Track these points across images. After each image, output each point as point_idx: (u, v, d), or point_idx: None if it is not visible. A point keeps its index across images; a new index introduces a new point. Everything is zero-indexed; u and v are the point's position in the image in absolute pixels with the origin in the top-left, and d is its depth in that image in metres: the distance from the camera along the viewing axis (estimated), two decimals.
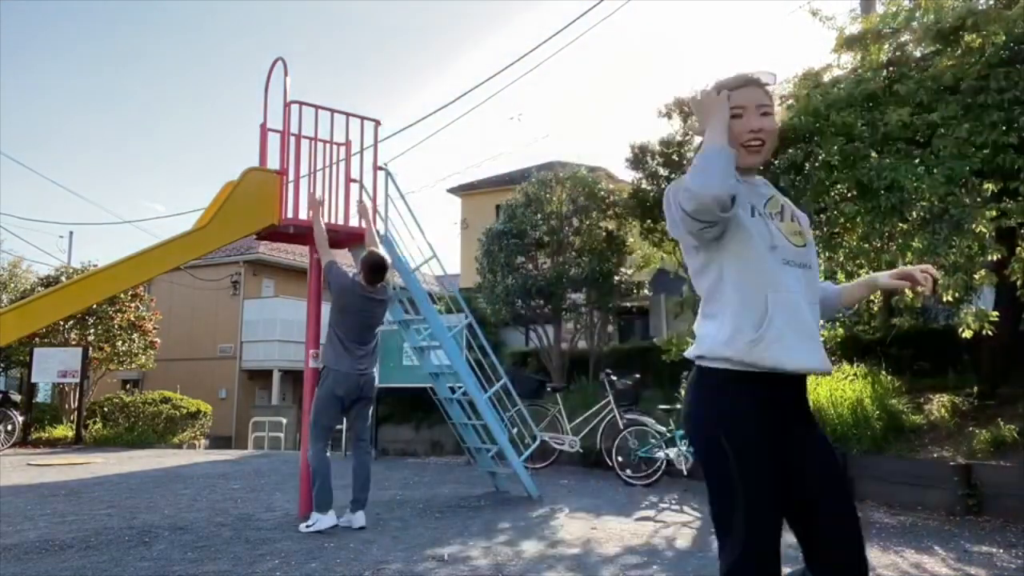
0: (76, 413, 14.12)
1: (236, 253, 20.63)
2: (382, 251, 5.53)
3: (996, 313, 6.25)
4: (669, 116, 8.78)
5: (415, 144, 69.40)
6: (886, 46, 6.89)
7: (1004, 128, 5.46)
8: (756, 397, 1.85)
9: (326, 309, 5.39)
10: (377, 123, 6.35)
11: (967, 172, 5.56)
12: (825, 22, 7.30)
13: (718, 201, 1.71)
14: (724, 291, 1.90)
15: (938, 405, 7.03)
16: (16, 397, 13.36)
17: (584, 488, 7.38)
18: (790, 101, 7.17)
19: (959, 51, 5.94)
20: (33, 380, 14.21)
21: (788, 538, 1.93)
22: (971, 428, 6.44)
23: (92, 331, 15.05)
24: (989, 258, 5.87)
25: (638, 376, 9.00)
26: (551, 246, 10.56)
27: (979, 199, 5.58)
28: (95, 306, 13.99)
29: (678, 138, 8.73)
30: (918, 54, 6.63)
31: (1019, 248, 5.72)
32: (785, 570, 1.92)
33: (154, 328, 16.25)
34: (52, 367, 13.96)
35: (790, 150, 6.85)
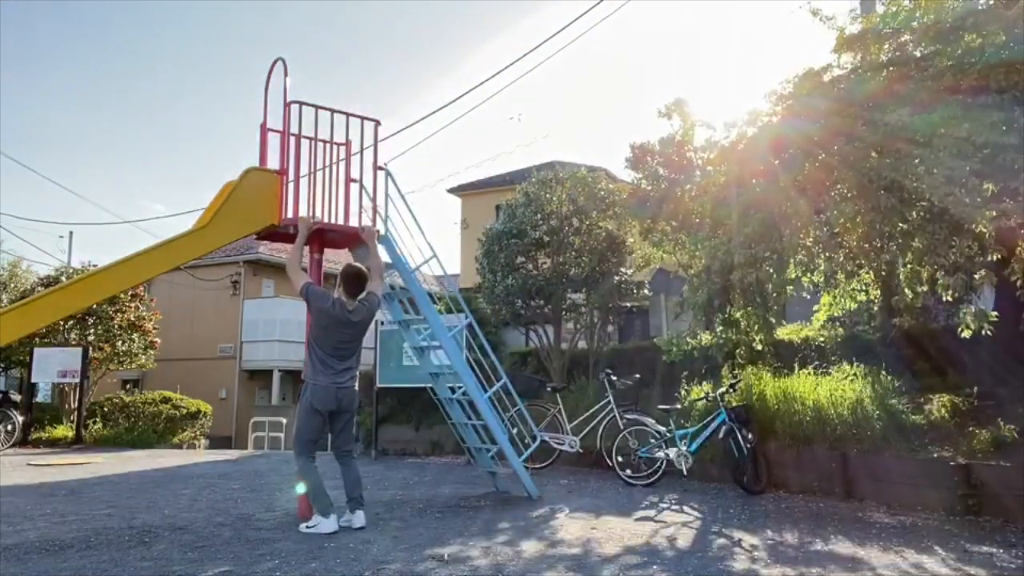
0: (76, 413, 14.12)
1: (236, 253, 20.62)
2: (376, 262, 5.67)
3: (995, 314, 6.25)
4: (669, 116, 8.77)
5: (415, 144, 69.35)
6: (886, 46, 6.88)
7: (1004, 128, 5.45)
8: None
9: None
10: (377, 123, 6.35)
11: (967, 172, 5.56)
12: (825, 22, 7.29)
13: None
14: None
15: (938, 405, 7.03)
16: (16, 397, 13.37)
17: (584, 488, 7.38)
18: (790, 101, 7.17)
19: (959, 51, 5.93)
20: (33, 380, 14.21)
21: None
22: (971, 428, 6.44)
23: (92, 331, 15.05)
24: (989, 258, 5.87)
25: (638, 376, 9.00)
26: (551, 246, 10.54)
27: (979, 199, 5.57)
28: (95, 306, 14.00)
29: (678, 138, 8.72)
30: (918, 54, 6.62)
31: (1019, 248, 5.72)
32: None
33: (154, 328, 16.26)
34: (52, 367, 13.97)
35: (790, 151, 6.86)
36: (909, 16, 6.61)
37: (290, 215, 5.71)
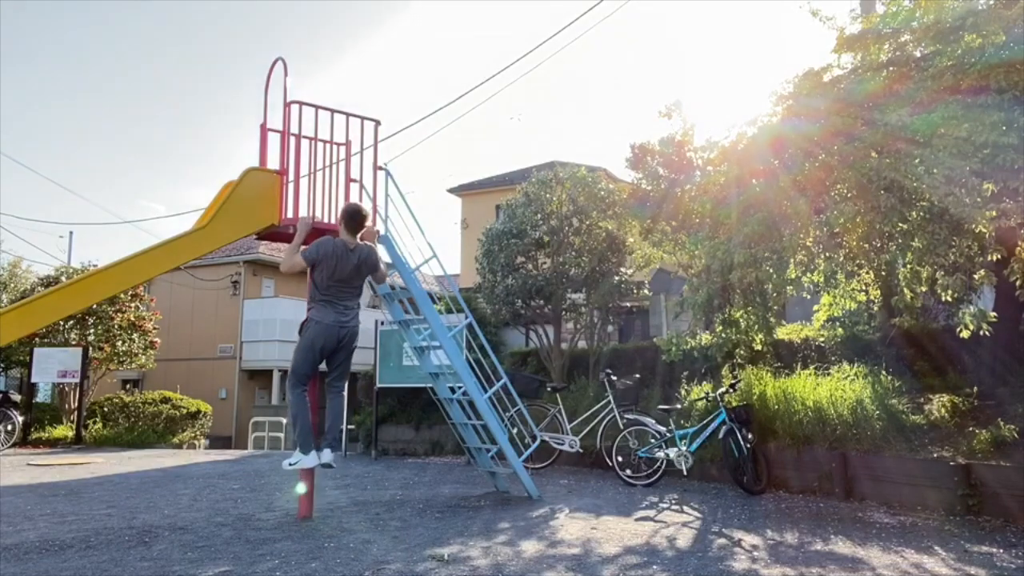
0: (76, 413, 14.12)
1: (236, 253, 20.64)
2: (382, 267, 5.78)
3: (994, 314, 6.25)
4: (669, 116, 8.77)
5: (415, 144, 69.33)
6: (886, 46, 6.88)
7: (1004, 128, 5.45)
8: None
9: None
10: (377, 123, 6.35)
11: (967, 172, 5.55)
12: (825, 22, 7.29)
13: None
14: None
15: (938, 405, 7.03)
16: (16, 397, 13.36)
17: (584, 488, 7.38)
18: (790, 101, 7.17)
19: (959, 51, 5.93)
20: (33, 380, 14.21)
21: None
22: (971, 428, 6.44)
23: (92, 331, 15.06)
24: (989, 258, 5.87)
25: (638, 376, 9.00)
26: (551, 246, 10.55)
27: (979, 199, 5.57)
28: (95, 306, 14.00)
29: (678, 138, 8.72)
30: (918, 54, 6.62)
31: (1019, 248, 5.72)
32: None
33: (154, 328, 16.26)
34: (52, 367, 13.97)
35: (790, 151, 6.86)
36: (909, 16, 6.60)
37: (290, 215, 5.71)
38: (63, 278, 15.59)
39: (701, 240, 7.73)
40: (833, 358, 8.30)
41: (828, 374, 7.63)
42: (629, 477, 7.62)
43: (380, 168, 6.45)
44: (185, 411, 14.85)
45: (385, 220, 6.48)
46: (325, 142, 6.04)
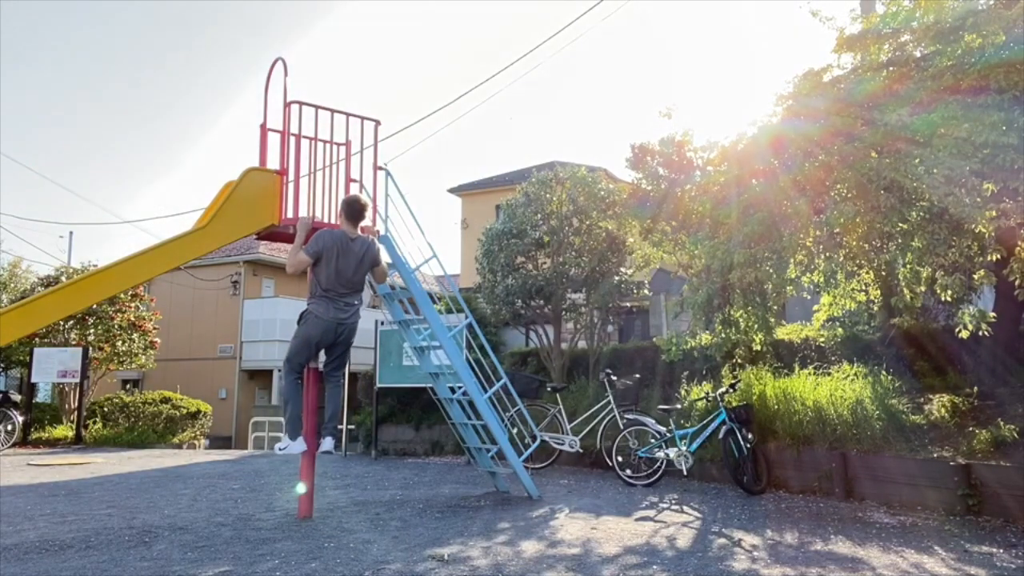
0: (76, 413, 14.12)
1: (236, 253, 20.64)
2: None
3: (994, 314, 6.25)
4: (669, 116, 8.77)
5: (416, 144, 69.33)
6: (886, 46, 6.88)
7: (1004, 128, 5.45)
8: None
9: None
10: (377, 123, 6.35)
11: (967, 172, 5.56)
12: (825, 22, 7.29)
13: None
14: None
15: (938, 405, 7.03)
16: (16, 397, 13.36)
17: (584, 488, 7.38)
18: (790, 101, 7.17)
19: (959, 51, 5.93)
20: (33, 380, 14.21)
21: None
22: (971, 428, 6.44)
23: (92, 331, 15.06)
24: (989, 258, 5.86)
25: (638, 376, 9.00)
26: (551, 246, 10.55)
27: (979, 199, 5.57)
28: (95, 306, 14.00)
29: (678, 138, 8.72)
30: (918, 54, 6.62)
31: (1019, 248, 5.72)
32: None
33: (154, 328, 16.27)
34: (52, 367, 13.97)
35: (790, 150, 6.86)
36: (909, 16, 6.60)
37: (290, 215, 5.71)
38: (63, 278, 15.59)
39: (701, 240, 7.73)
40: (833, 358, 8.30)
41: (828, 374, 7.63)
42: (629, 477, 7.62)
43: (380, 168, 6.45)
44: (185, 411, 14.84)
45: (385, 220, 6.48)
46: (325, 142, 6.04)
